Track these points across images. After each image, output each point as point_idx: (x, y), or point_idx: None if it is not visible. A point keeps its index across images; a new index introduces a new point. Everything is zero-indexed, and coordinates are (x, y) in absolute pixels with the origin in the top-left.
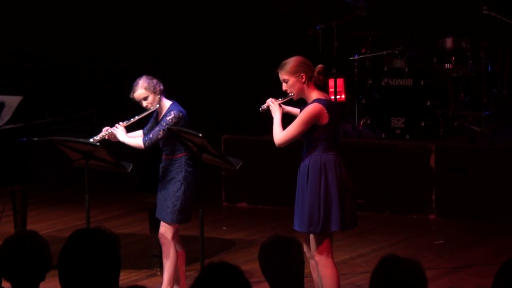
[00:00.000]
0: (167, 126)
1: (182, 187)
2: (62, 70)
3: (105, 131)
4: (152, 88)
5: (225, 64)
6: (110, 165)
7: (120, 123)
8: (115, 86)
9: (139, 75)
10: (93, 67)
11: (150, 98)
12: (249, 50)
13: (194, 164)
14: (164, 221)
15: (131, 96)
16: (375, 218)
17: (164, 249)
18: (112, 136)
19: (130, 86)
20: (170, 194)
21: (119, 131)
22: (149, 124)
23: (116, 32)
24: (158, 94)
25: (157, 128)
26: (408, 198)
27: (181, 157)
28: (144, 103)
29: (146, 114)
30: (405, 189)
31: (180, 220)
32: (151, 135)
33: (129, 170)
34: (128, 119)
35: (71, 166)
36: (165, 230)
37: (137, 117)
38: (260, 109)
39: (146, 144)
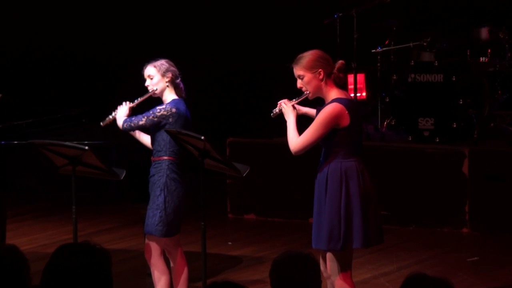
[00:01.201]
0: (153, 115)
1: (162, 194)
2: (47, 64)
3: (113, 112)
4: (162, 71)
5: (231, 58)
6: (100, 172)
7: (127, 102)
8: (107, 83)
9: (133, 72)
10: (83, 61)
11: (155, 79)
12: (258, 42)
13: (180, 170)
14: (146, 233)
15: (142, 72)
16: (400, 232)
17: (152, 268)
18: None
19: (123, 83)
20: (151, 203)
21: (121, 110)
22: None
23: (109, 25)
24: (166, 82)
25: (143, 114)
26: (438, 209)
27: (163, 161)
28: (147, 82)
29: (147, 96)
30: (434, 199)
31: (161, 232)
32: (133, 118)
33: (121, 178)
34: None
35: (56, 173)
36: (149, 245)
37: (140, 98)
38: (272, 114)
39: (124, 125)
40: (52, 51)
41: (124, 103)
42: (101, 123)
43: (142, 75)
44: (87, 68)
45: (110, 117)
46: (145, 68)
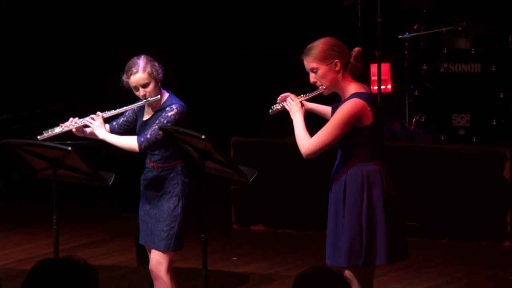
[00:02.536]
0: (169, 124)
1: (180, 203)
2: (24, 53)
3: (71, 123)
4: (155, 73)
5: (236, 45)
6: (85, 176)
7: (99, 113)
8: (93, 74)
9: (122, 60)
10: (65, 49)
11: (151, 85)
12: (267, 28)
13: (190, 174)
14: (157, 249)
15: (124, 78)
16: (431, 246)
17: (157, 284)
18: (80, 131)
19: (112, 74)
20: (165, 214)
21: (97, 125)
22: (123, 118)
23: (96, 9)
24: (159, 83)
25: (155, 127)
26: (475, 219)
27: (176, 165)
28: (142, 92)
29: (139, 105)
30: (470, 208)
31: (177, 247)
32: (148, 135)
33: (110, 183)
34: (110, 109)
35: (35, 177)
36: (159, 261)
37: (125, 108)
38: (270, 110)
39: (143, 146)
40: (30, 38)
41: (93, 115)
42: (39, 137)
43: (124, 85)
44: (70, 57)
45: (56, 130)
46: (131, 76)
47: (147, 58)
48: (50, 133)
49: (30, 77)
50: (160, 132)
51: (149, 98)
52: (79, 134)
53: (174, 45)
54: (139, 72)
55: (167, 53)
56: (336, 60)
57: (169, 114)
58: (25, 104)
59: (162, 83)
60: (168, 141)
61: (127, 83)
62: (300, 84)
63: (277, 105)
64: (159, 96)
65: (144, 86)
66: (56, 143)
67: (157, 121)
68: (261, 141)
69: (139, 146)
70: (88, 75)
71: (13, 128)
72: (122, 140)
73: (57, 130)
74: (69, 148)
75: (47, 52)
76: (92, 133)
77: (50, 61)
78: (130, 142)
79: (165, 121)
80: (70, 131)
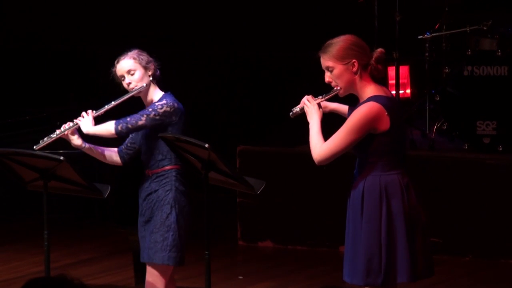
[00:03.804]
0: (154, 113)
1: (173, 212)
2: (11, 55)
3: (63, 127)
4: (143, 62)
5: (241, 44)
6: (78, 188)
7: (89, 111)
8: (85, 76)
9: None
10: (55, 51)
11: (138, 74)
12: (277, 28)
13: (187, 180)
14: (152, 264)
15: (113, 70)
16: (455, 264)
17: None
18: (75, 136)
19: (104, 76)
20: (158, 224)
21: (85, 122)
22: (130, 140)
23: (88, 8)
24: (149, 75)
25: (139, 112)
26: (502, 236)
27: (169, 171)
28: (127, 79)
29: (127, 97)
30: (497, 222)
31: (174, 260)
32: (128, 118)
33: (105, 195)
34: (101, 107)
35: (24, 189)
36: (155, 277)
37: (113, 103)
38: (291, 113)
39: (119, 129)
40: (17, 39)
41: (84, 113)
42: (35, 147)
43: (112, 75)
44: (61, 59)
45: (52, 136)
46: (117, 64)
47: (138, 49)
48: (46, 140)
49: (18, 82)
50: (143, 119)
51: (135, 88)
52: (74, 143)
53: (175, 46)
54: (125, 59)
55: (167, 55)
56: (353, 60)
57: (157, 103)
58: (14, 111)
59: (159, 83)
60: (161, 143)
61: (116, 74)
62: (314, 87)
63: (297, 107)
64: (144, 84)
65: (130, 73)
66: (47, 152)
67: (144, 110)
68: (270, 150)
69: (115, 128)
70: (79, 79)
71: (1, 135)
72: (101, 127)
73: (54, 135)
74: (62, 158)
75: (36, 56)
76: (89, 149)
77: (39, 65)
78: (107, 126)
79: (150, 109)
80: (65, 139)
